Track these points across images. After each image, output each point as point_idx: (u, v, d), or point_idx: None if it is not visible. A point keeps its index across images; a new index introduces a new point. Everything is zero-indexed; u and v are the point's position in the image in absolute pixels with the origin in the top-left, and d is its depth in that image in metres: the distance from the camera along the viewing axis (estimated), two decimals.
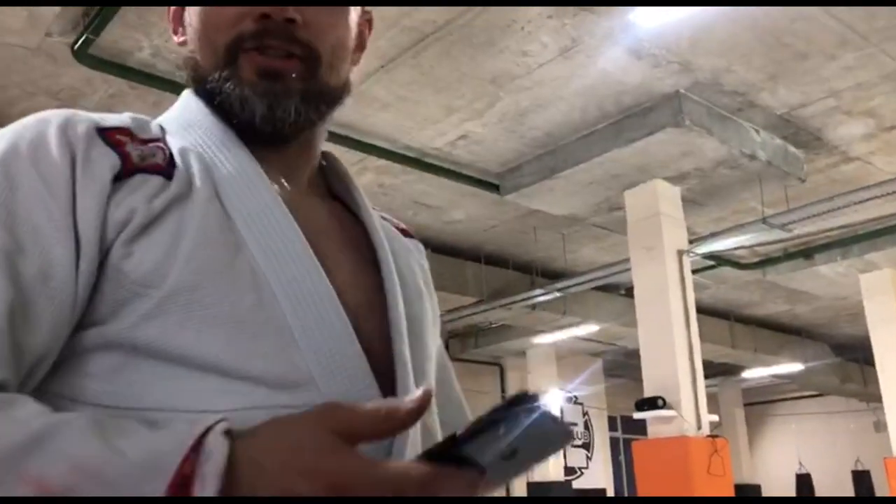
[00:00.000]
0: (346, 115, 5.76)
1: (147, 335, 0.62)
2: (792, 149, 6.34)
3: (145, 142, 0.72)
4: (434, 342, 0.83)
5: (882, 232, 7.90)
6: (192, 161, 0.71)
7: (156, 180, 0.68)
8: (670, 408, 5.87)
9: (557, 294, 8.84)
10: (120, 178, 0.67)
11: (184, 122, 0.77)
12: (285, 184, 0.78)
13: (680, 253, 6.43)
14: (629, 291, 7.90)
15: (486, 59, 5.05)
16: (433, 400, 0.61)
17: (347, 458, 0.51)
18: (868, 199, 6.33)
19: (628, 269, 6.80)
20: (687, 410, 5.90)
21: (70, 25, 4.64)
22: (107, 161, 0.67)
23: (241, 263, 0.66)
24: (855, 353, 12.88)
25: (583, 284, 8.84)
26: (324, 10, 0.77)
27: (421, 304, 0.80)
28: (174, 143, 0.73)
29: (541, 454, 0.55)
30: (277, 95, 0.74)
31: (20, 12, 4.25)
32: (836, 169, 6.80)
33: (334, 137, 5.90)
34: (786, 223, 6.82)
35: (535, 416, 0.50)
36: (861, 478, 13.66)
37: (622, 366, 12.89)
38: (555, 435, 0.54)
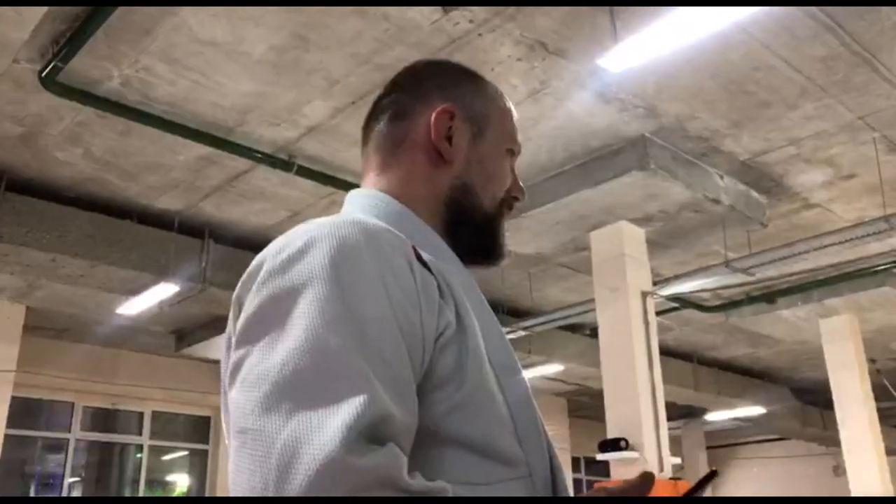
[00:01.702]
0: (316, 150, 5.77)
1: (451, 425, 0.80)
2: (755, 194, 6.46)
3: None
4: None
5: (841, 278, 8.05)
6: (439, 274, 0.87)
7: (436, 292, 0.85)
8: (633, 449, 5.87)
9: (523, 333, 8.85)
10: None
11: (407, 233, 0.91)
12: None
13: (644, 294, 6.48)
14: (594, 332, 7.94)
15: None
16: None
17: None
18: (828, 245, 6.46)
19: (593, 310, 6.83)
20: (649, 452, 5.90)
21: (38, 52, 4.60)
22: (432, 282, 0.84)
23: (489, 372, 0.86)
24: (815, 398, 13.00)
25: (548, 324, 8.87)
26: None
27: None
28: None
29: None
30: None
31: None
32: (798, 215, 6.95)
33: (305, 172, 5.90)
34: (748, 267, 6.93)
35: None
36: None
37: (587, 406, 12.88)
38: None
